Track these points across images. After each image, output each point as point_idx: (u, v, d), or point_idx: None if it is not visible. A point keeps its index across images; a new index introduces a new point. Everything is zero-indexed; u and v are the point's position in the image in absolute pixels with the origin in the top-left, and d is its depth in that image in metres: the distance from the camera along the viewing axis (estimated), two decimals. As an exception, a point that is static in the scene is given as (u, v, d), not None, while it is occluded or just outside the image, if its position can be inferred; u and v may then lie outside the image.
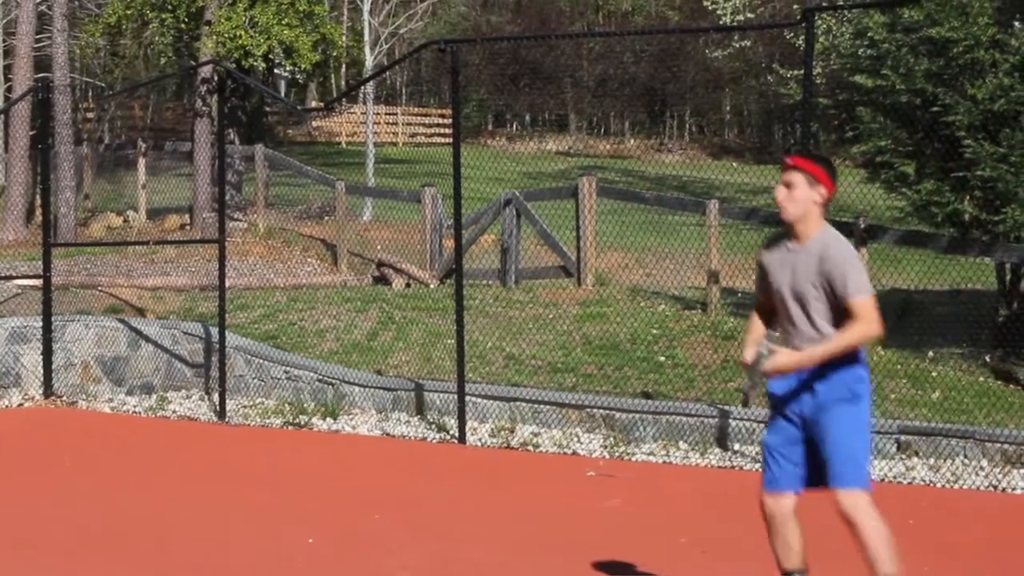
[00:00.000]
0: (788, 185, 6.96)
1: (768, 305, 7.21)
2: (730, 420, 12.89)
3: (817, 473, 7.29)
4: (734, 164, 44.63)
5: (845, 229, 15.80)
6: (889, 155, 14.71)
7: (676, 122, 56.98)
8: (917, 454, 12.11)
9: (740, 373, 14.26)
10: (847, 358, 6.98)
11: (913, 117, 14.61)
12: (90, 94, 43.94)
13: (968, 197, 14.32)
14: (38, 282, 16.93)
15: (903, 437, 12.23)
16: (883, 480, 11.64)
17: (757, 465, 12.24)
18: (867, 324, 6.83)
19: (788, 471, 7.37)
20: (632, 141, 54.03)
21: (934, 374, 13.85)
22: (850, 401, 7.04)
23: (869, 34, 14.98)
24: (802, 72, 12.81)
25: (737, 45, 36.81)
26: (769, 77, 35.98)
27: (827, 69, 20.17)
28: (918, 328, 15.15)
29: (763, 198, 30.60)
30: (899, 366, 14.09)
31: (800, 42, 18.56)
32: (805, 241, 7.00)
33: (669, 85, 51.24)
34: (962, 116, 14.01)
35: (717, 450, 12.78)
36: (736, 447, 12.77)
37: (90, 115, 42.07)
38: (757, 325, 7.30)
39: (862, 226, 15.16)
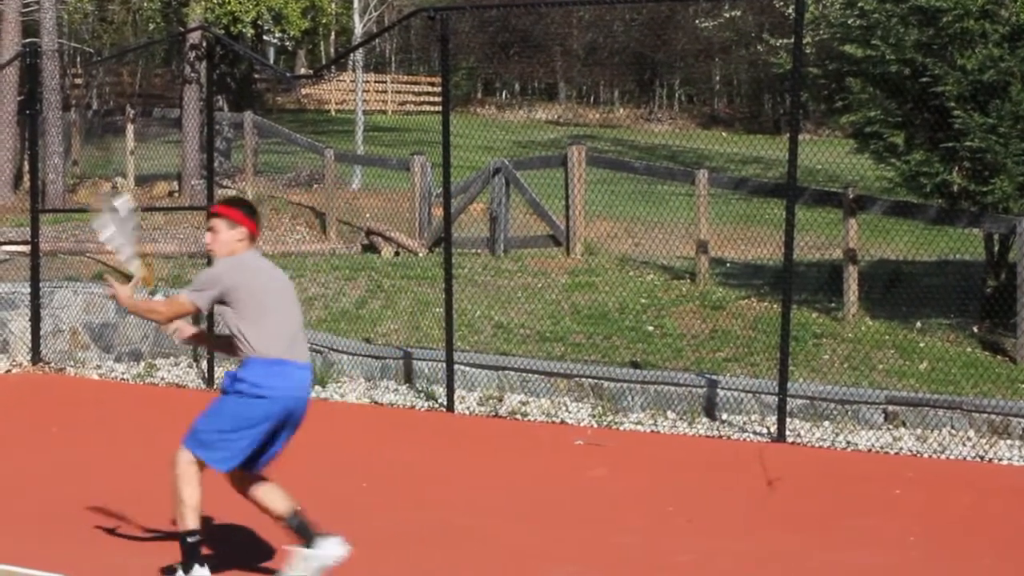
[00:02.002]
0: (212, 230, 7.99)
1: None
2: (718, 390, 12.91)
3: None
4: (723, 134, 44.58)
5: (834, 199, 15.87)
6: (878, 125, 14.69)
7: (666, 92, 56.89)
8: (904, 424, 12.15)
9: (728, 342, 14.30)
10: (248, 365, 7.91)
11: (903, 87, 14.59)
12: (78, 60, 43.75)
13: (957, 168, 14.32)
14: (26, 248, 16.90)
15: (890, 408, 12.26)
16: (870, 450, 11.67)
17: (745, 435, 12.28)
18: (164, 307, 8.29)
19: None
20: (622, 110, 53.96)
21: (922, 345, 13.88)
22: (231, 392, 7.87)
23: (859, 4, 14.94)
24: (792, 42, 12.79)
25: (727, 15, 36.74)
26: (759, 47, 35.91)
27: (817, 39, 20.10)
28: (906, 299, 15.17)
29: (752, 168, 30.60)
30: (887, 337, 14.11)
31: (790, 12, 18.52)
32: None
33: (659, 54, 51.13)
34: (952, 87, 14.00)
35: (705, 419, 12.80)
36: (724, 416, 12.79)
37: (78, 81, 41.89)
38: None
39: (851, 196, 15.16)
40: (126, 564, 8.42)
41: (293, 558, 7.68)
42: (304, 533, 7.73)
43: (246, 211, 8.09)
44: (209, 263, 8.29)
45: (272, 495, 7.91)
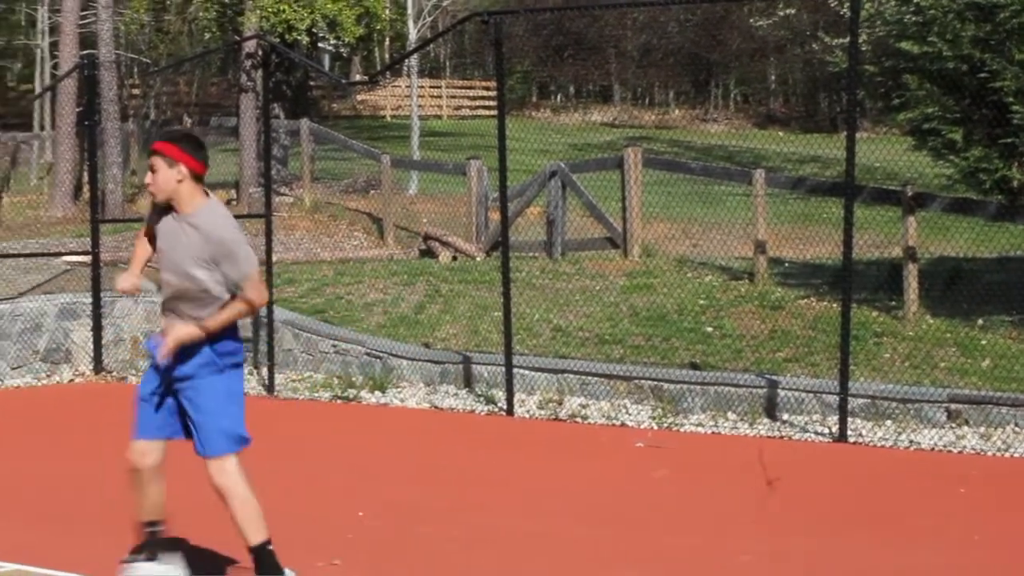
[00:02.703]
0: (151, 169, 7.24)
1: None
2: (779, 390, 12.86)
3: (187, 430, 7.72)
4: (780, 133, 44.44)
5: (893, 197, 15.78)
6: (936, 122, 14.60)
7: (721, 92, 56.76)
8: (967, 423, 12.06)
9: (788, 342, 14.23)
10: (222, 332, 7.35)
11: (960, 83, 14.50)
12: (135, 70, 44.06)
13: (1016, 163, 14.21)
14: (87, 258, 17.02)
15: (953, 406, 12.17)
16: (933, 449, 11.60)
17: (806, 435, 12.23)
18: (255, 294, 7.28)
19: (155, 420, 7.75)
20: (677, 111, 53.87)
21: (984, 342, 13.77)
22: (220, 372, 7.41)
23: (915, 0, 14.86)
24: (847, 40, 12.72)
25: (782, 13, 36.61)
26: (814, 45, 35.77)
27: (873, 36, 20.01)
28: (967, 296, 15.07)
29: (810, 167, 30.48)
30: (948, 334, 14.02)
31: (845, 10, 18.45)
32: (186, 215, 7.27)
33: (714, 54, 51.01)
34: (1010, 81, 13.89)
35: (766, 420, 12.75)
36: (785, 417, 12.74)
37: (136, 91, 42.21)
38: (143, 248, 7.74)
39: (909, 194, 15.07)
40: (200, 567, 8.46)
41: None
42: (155, 546, 7.85)
43: (187, 147, 7.26)
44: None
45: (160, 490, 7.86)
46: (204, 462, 7.57)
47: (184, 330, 7.22)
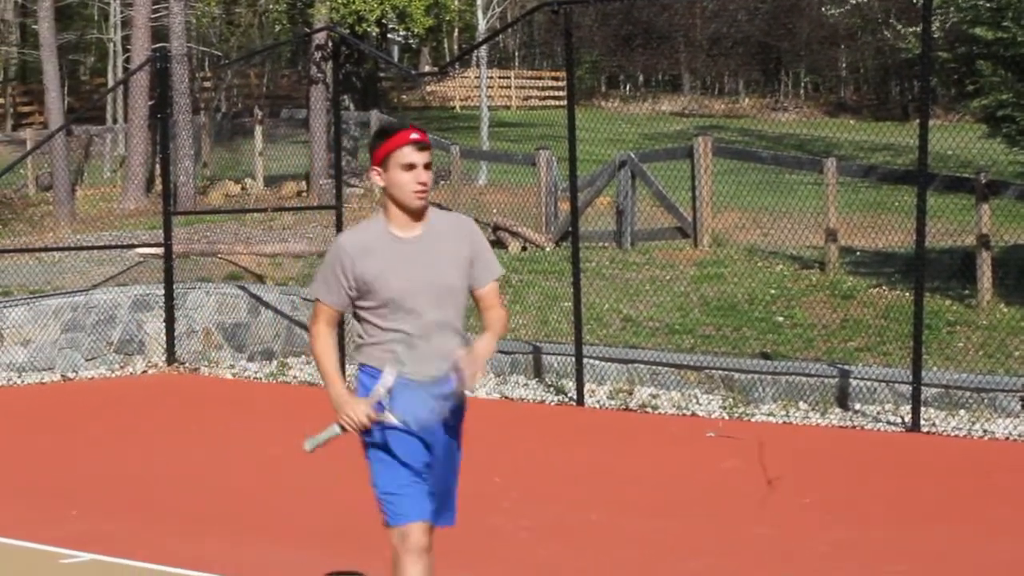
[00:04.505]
0: (427, 166, 5.85)
1: (341, 317, 6.00)
2: (850, 380, 12.78)
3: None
4: (851, 122, 44.15)
5: (966, 185, 15.65)
6: (1010, 109, 14.48)
7: (791, 80, 56.45)
8: (1042, 412, 11.94)
9: (860, 331, 14.14)
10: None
11: (1035, 70, 14.36)
12: (207, 63, 44.34)
13: (1092, 150, 14.06)
14: (159, 250, 17.14)
15: (1028, 395, 12.06)
16: (1008, 439, 11.49)
17: (879, 425, 12.15)
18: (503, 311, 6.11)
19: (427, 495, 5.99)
20: (747, 100, 53.61)
21: (1059, 331, 13.64)
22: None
23: (989, -14, 14.73)
24: (920, 27, 12.62)
25: (853, 1, 36.35)
26: (886, 32, 35.52)
27: (946, 23, 19.84)
28: (1042, 285, 14.92)
29: (881, 155, 30.25)
30: (1023, 323, 13.88)
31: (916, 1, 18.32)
32: (418, 223, 5.91)
33: (784, 43, 50.74)
34: (1085, 68, 13.75)
35: (838, 410, 12.68)
36: (857, 407, 12.66)
37: (207, 84, 42.43)
38: (332, 343, 6.02)
39: (983, 181, 14.93)
40: (271, 559, 8.51)
41: None
42: None
43: None
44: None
45: None
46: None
47: (485, 346, 5.85)
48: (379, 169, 5.84)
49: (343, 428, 5.84)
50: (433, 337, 5.79)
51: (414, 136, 5.83)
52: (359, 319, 5.91)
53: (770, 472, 10.53)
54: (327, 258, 5.91)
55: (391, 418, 5.78)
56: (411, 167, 5.78)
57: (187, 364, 16.51)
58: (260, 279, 18.13)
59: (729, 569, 8.20)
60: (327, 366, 5.91)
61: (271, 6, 33.31)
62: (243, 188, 27.79)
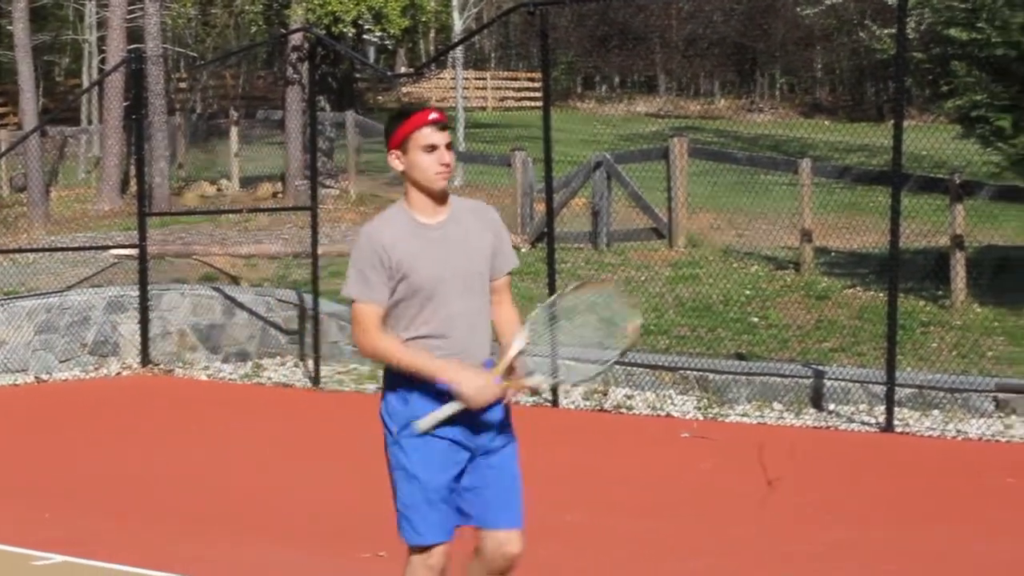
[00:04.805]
0: (449, 146, 5.62)
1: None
2: (825, 380, 12.81)
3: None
4: (826, 122, 44.22)
5: (941, 185, 15.69)
6: (984, 109, 14.52)
7: (767, 81, 56.54)
8: (1015, 412, 11.99)
9: (834, 331, 14.16)
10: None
11: (1009, 70, 14.41)
12: (182, 64, 44.24)
13: (1066, 151, 14.11)
14: (134, 252, 17.09)
15: (1001, 395, 12.10)
16: (981, 439, 11.52)
17: (853, 425, 12.17)
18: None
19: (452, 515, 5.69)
20: (722, 101, 53.68)
21: (1032, 331, 13.68)
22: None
23: (963, -13, 14.78)
24: (895, 29, 12.65)
25: (828, 2, 36.44)
26: (861, 33, 35.60)
27: (921, 24, 19.88)
28: (1015, 285, 14.97)
29: (856, 156, 30.32)
30: (996, 323, 13.93)
31: (891, 2, 18.35)
32: (449, 210, 5.66)
33: (759, 44, 50.84)
34: (1059, 69, 13.81)
35: (812, 410, 12.70)
36: (831, 407, 12.68)
37: (182, 85, 42.35)
38: (398, 341, 5.57)
39: (957, 182, 14.97)
40: (249, 559, 8.49)
41: None
42: None
43: None
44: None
45: None
46: (483, 537, 5.79)
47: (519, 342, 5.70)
48: (398, 152, 5.60)
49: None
50: (463, 328, 5.58)
51: (433, 116, 5.59)
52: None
53: (770, 472, 10.56)
54: (358, 254, 5.52)
55: (535, 382, 5.76)
56: (432, 148, 5.55)
57: (161, 365, 16.47)
58: (235, 280, 18.09)
59: (729, 569, 8.20)
60: (415, 359, 5.46)
61: (247, 7, 33.22)
62: (218, 189, 27.74)
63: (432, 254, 5.52)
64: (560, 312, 5.90)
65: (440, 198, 5.61)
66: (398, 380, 5.55)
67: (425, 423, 5.50)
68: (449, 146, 5.59)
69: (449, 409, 5.50)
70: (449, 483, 5.56)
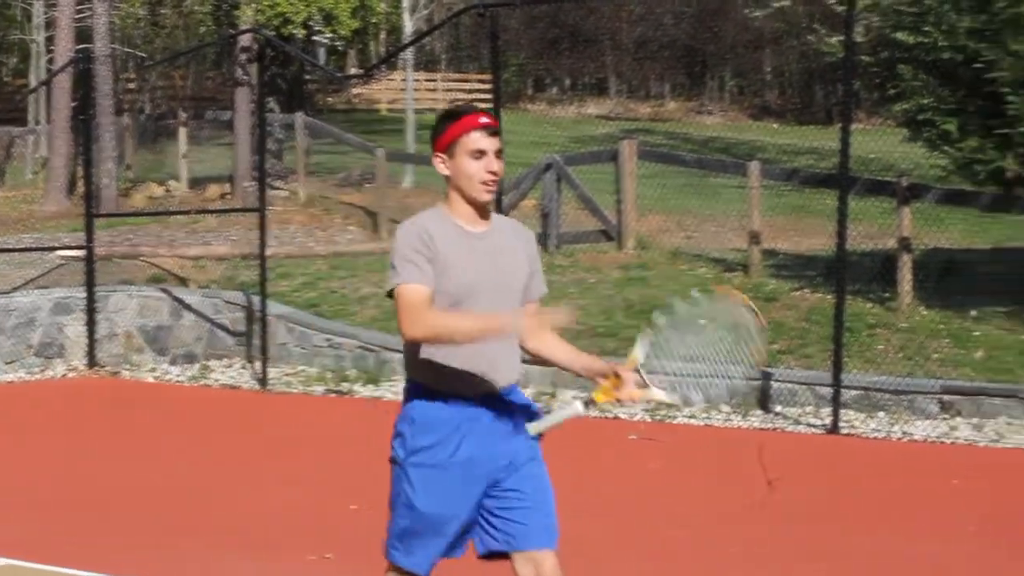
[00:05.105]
0: (498, 154, 5.29)
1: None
2: (772, 382, 12.85)
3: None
4: (775, 125, 44.41)
5: (887, 188, 15.77)
6: (931, 113, 14.61)
7: (717, 84, 56.73)
8: (960, 414, 12.06)
9: (782, 333, 14.21)
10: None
11: (956, 74, 14.50)
12: (130, 64, 44.01)
13: (1011, 154, 14.20)
14: (81, 253, 16.99)
15: (946, 397, 12.17)
16: (926, 440, 11.59)
17: (799, 427, 12.21)
18: None
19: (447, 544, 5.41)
20: (672, 104, 53.81)
21: (977, 333, 13.76)
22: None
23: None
24: (843, 31, 12.71)
25: (777, 5, 36.60)
26: (810, 37, 35.77)
27: (869, 28, 19.98)
28: (961, 287, 15.06)
29: (806, 159, 30.46)
30: (942, 326, 14.01)
31: (840, 8, 18.43)
32: (485, 220, 5.37)
33: (709, 46, 51.01)
34: (1005, 72, 13.89)
35: (759, 412, 12.74)
36: (778, 409, 12.73)
37: (131, 85, 42.12)
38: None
39: (904, 185, 15.05)
40: (192, 562, 8.45)
41: None
42: None
43: None
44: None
45: None
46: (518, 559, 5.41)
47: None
48: (443, 156, 5.24)
49: (590, 403, 5.29)
50: (493, 344, 5.23)
51: (484, 120, 5.23)
52: None
53: (770, 473, 10.58)
54: (400, 243, 5.17)
55: (657, 396, 5.36)
56: (480, 154, 5.20)
57: (108, 367, 16.37)
58: (183, 282, 18.00)
59: (665, 570, 8.21)
60: (477, 321, 5.12)
61: (196, 8, 33.13)
62: (166, 190, 27.61)
63: (471, 261, 5.21)
64: (687, 321, 5.50)
65: (483, 210, 5.31)
66: (414, 404, 5.28)
67: (537, 427, 5.38)
68: (499, 153, 5.26)
69: (564, 415, 5.36)
70: (449, 516, 5.27)
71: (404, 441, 5.28)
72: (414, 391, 5.29)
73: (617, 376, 5.32)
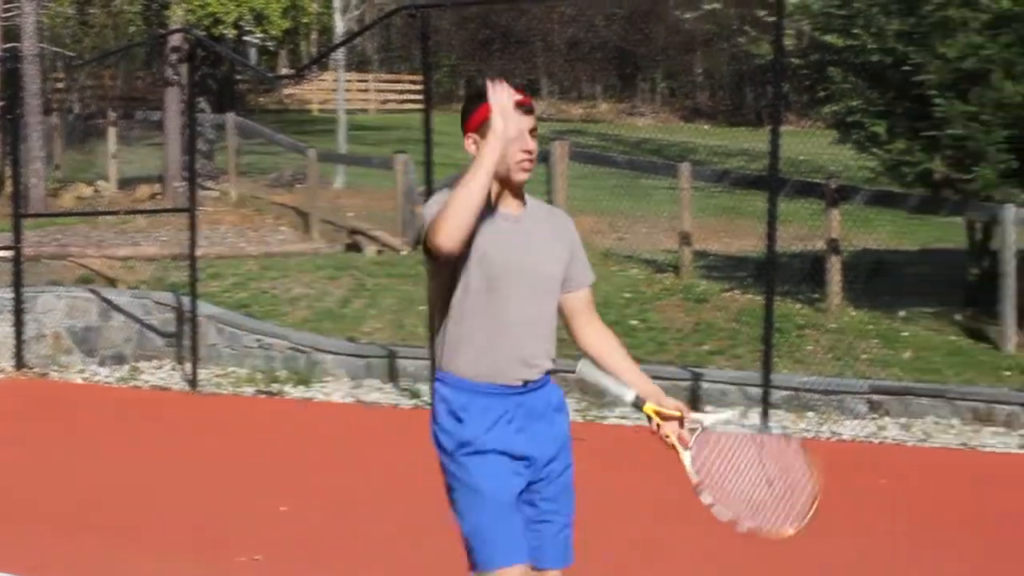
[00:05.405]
0: (532, 133, 5.02)
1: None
2: (702, 383, 12.90)
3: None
4: (706, 127, 44.60)
5: (817, 190, 15.87)
6: (860, 115, 14.71)
7: (648, 85, 56.90)
8: (888, 413, 12.16)
9: (712, 334, 14.27)
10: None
11: (884, 76, 14.60)
12: (59, 64, 43.67)
13: (939, 156, 14.32)
14: (8, 253, 16.83)
15: (875, 397, 12.27)
16: (855, 440, 11.67)
17: (729, 427, 12.25)
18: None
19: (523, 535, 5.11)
20: (604, 105, 53.92)
21: (905, 333, 13.88)
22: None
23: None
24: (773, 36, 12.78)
25: (707, 7, 36.74)
26: (741, 39, 35.94)
27: (801, 33, 20.08)
28: (889, 288, 15.18)
29: (737, 160, 30.61)
30: (870, 326, 14.11)
31: (765, 14, 18.51)
32: (526, 207, 5.10)
33: (640, 48, 51.17)
34: (933, 75, 14.00)
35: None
36: (708, 409, 12.77)
37: (60, 85, 41.79)
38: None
39: (833, 187, 15.15)
40: (121, 565, 8.40)
41: None
42: None
43: None
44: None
45: None
46: None
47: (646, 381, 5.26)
48: (475, 136, 4.90)
49: (638, 405, 5.10)
50: (524, 330, 5.00)
51: (518, 97, 4.91)
52: (439, 305, 4.98)
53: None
54: (435, 202, 4.85)
55: (683, 453, 5.08)
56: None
57: (36, 369, 16.23)
58: (112, 283, 17.88)
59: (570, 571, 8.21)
60: (473, 169, 4.75)
61: (126, 7, 32.90)
62: (96, 190, 27.40)
63: (506, 242, 4.90)
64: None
65: (518, 192, 5.00)
66: (449, 398, 4.97)
67: (589, 373, 5.15)
68: (534, 132, 4.97)
69: (614, 387, 5.16)
70: (516, 500, 4.96)
71: (450, 435, 4.97)
72: (449, 383, 4.97)
73: (678, 412, 5.11)
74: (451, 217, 4.67)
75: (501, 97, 4.80)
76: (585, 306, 5.20)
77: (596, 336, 5.25)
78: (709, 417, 5.14)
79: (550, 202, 18.64)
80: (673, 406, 5.11)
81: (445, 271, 4.88)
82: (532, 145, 4.93)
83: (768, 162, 12.18)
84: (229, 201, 24.76)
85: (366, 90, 51.86)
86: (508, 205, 4.97)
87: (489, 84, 4.83)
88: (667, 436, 5.10)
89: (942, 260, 16.48)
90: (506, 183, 4.94)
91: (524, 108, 4.93)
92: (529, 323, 4.99)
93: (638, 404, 5.09)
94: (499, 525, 4.90)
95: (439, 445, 5.03)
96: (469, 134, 4.96)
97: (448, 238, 4.67)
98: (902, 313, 14.42)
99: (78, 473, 11.19)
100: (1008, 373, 12.75)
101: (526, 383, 5.03)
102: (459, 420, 4.95)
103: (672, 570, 8.29)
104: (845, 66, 14.77)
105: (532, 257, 4.96)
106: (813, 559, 8.42)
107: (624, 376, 5.19)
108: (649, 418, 5.10)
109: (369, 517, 9.52)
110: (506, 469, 4.93)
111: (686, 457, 5.11)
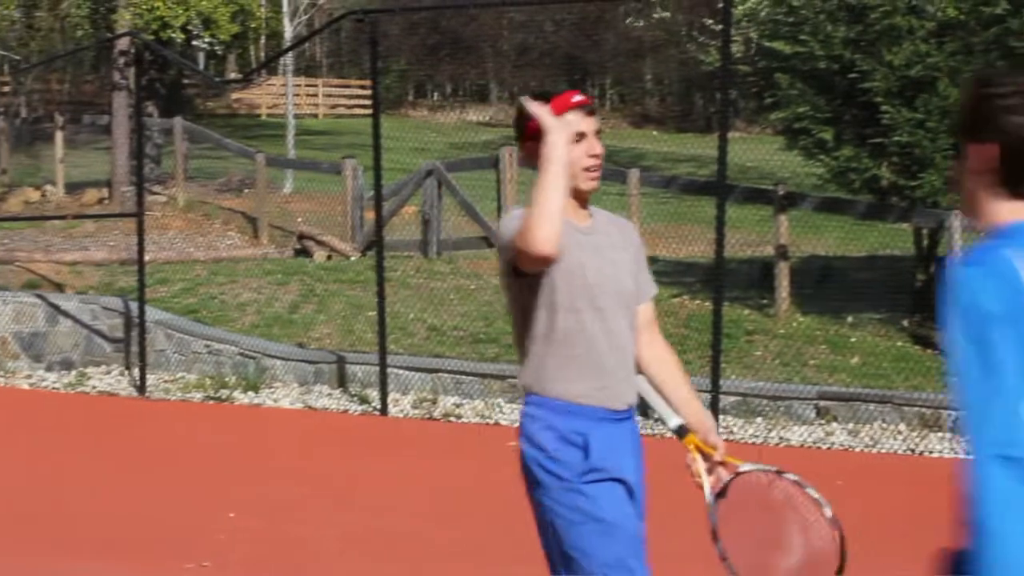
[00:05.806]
0: (599, 135, 4.74)
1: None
2: (651, 388, 12.91)
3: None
4: (655, 133, 44.74)
5: (765, 196, 15.95)
6: (807, 122, 14.78)
7: (597, 91, 57.01)
8: (836, 419, 12.21)
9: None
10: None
11: (831, 83, 14.68)
12: (5, 67, 43.41)
13: (886, 163, 14.41)
14: (-46, 258, 16.74)
15: (822, 402, 12.32)
16: (803, 446, 11.72)
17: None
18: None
19: None
20: (554, 111, 53.96)
21: (853, 339, 13.95)
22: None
23: (788, 0, 15.02)
24: (721, 42, 12.83)
25: (657, 15, 36.87)
26: (690, 45, 36.08)
27: (750, 41, 20.18)
28: (837, 294, 15.26)
29: (686, 166, 30.72)
30: (818, 332, 14.18)
31: (711, 22, 18.59)
32: (592, 217, 4.84)
33: (590, 54, 51.26)
34: (880, 82, 14.09)
35: (638, 418, 12.78)
36: (656, 415, 12.78)
37: (6, 88, 41.54)
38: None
39: (781, 193, 15.22)
40: (67, 571, 8.35)
41: None
42: None
43: None
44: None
45: None
46: None
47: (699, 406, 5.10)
48: (535, 145, 4.58)
49: (680, 435, 4.92)
50: (614, 352, 4.70)
51: (578, 98, 4.63)
52: (524, 322, 4.72)
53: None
54: (515, 217, 4.61)
55: (706, 487, 4.89)
56: (580, 137, 4.59)
57: (-18, 375, 16.14)
58: (59, 287, 17.78)
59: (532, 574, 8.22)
60: (544, 170, 4.48)
61: (73, 11, 32.69)
62: (43, 195, 27.23)
63: (588, 260, 4.65)
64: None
65: (584, 201, 4.72)
66: (558, 425, 4.66)
67: (643, 389, 4.92)
68: (599, 134, 4.66)
69: (664, 410, 4.99)
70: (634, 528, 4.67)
71: (567, 464, 4.63)
72: (555, 409, 4.66)
73: (712, 448, 4.93)
74: (542, 222, 4.39)
75: (541, 109, 4.54)
76: (647, 322, 4.90)
77: (656, 360, 4.95)
78: (750, 464, 5.02)
79: (499, 208, 18.69)
80: (714, 443, 4.91)
81: (527, 291, 4.63)
82: (598, 149, 4.64)
83: (716, 168, 12.22)
84: (177, 206, 24.65)
85: (315, 95, 51.78)
86: (576, 216, 4.69)
87: (525, 102, 4.59)
88: (697, 475, 4.90)
89: (889, 266, 16.57)
90: (573, 193, 4.64)
91: (585, 108, 4.64)
92: (624, 341, 4.73)
93: (681, 433, 4.92)
94: (637, 558, 4.63)
95: (548, 474, 4.67)
96: (527, 142, 4.68)
97: (547, 242, 4.39)
98: (850, 319, 14.50)
99: (22, 479, 11.11)
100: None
101: (629, 406, 4.83)
102: (576, 446, 4.64)
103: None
104: (793, 73, 14.84)
105: (612, 269, 4.70)
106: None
107: (678, 405, 4.98)
108: (688, 451, 4.92)
109: (317, 524, 9.50)
110: (626, 498, 4.70)
111: (709, 498, 4.90)
